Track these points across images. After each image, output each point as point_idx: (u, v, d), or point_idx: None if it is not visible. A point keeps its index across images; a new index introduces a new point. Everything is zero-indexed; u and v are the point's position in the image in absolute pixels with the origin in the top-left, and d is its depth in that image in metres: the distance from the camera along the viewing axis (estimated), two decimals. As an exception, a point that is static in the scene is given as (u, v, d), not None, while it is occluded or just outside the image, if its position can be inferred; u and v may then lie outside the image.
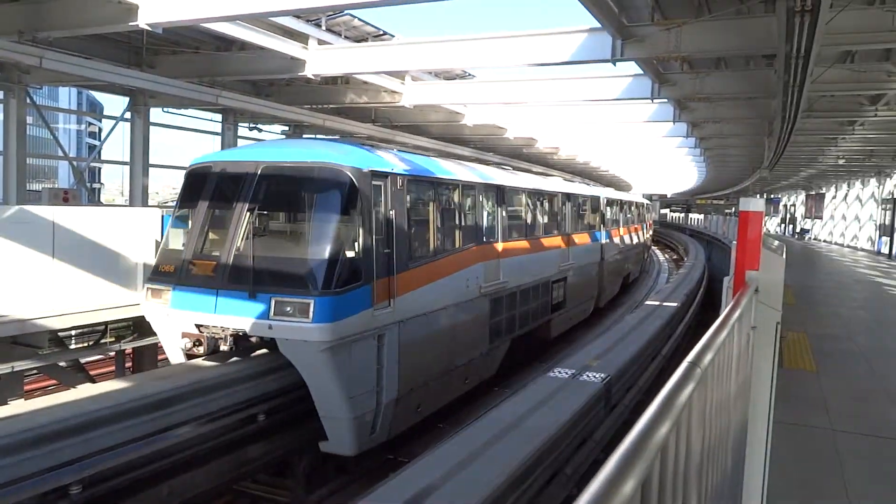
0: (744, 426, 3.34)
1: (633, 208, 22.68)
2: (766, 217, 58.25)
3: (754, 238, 3.49)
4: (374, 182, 7.10)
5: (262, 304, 6.55)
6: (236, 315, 6.69)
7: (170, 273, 7.16)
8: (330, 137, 11.76)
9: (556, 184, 14.54)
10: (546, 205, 12.99)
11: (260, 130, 17.36)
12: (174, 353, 7.25)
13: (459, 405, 8.73)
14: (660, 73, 11.60)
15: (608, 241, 17.46)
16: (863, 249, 31.17)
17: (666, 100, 13.42)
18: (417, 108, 15.96)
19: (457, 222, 9.04)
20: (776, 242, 7.26)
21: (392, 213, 7.29)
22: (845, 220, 36.10)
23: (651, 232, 30.10)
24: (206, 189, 7.36)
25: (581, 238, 14.69)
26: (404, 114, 16.92)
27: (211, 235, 7.25)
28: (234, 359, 6.88)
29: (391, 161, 7.69)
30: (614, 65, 9.58)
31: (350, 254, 6.77)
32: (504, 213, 10.41)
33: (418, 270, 7.72)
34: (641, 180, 49.94)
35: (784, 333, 8.09)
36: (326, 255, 6.60)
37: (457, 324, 8.65)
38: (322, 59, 11.32)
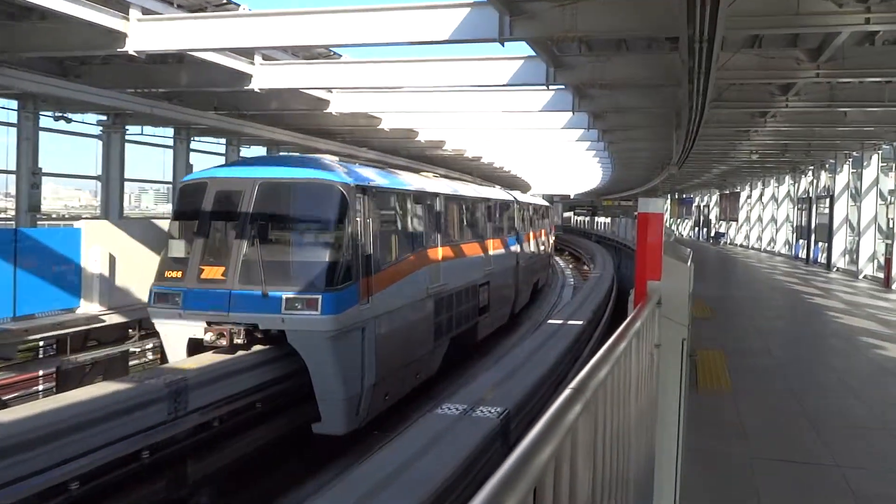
0: (650, 457, 3.54)
1: (538, 212, 25.74)
2: (679, 220, 62.74)
3: (655, 243, 3.72)
4: (356, 195, 10.05)
5: (275, 301, 9.29)
6: (250, 312, 9.40)
7: (178, 278, 9.82)
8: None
9: (477, 190, 17.86)
10: (472, 210, 16.07)
11: (69, 121, 16.43)
12: (178, 352, 9.73)
13: (401, 405, 11.25)
14: (555, 55, 12.14)
15: (521, 246, 20.70)
16: (780, 254, 33.76)
17: (563, 86, 14.20)
18: (271, 94, 16.06)
19: (411, 228, 12.14)
20: (686, 249, 7.78)
21: (369, 221, 10.23)
22: (762, 222, 38.50)
23: (553, 238, 32.09)
24: (206, 202, 10.21)
25: (499, 243, 18.00)
26: (255, 100, 16.87)
27: (216, 243, 10.07)
28: (241, 352, 9.37)
29: (365, 175, 10.82)
30: (502, 45, 10.03)
31: (344, 257, 9.65)
32: (443, 220, 13.61)
33: (387, 272, 10.63)
34: (541, 180, 52.26)
35: (695, 351, 8.67)
36: (327, 257, 9.58)
37: (413, 321, 11.55)
38: (147, 32, 11.12)
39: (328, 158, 11.30)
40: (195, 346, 9.85)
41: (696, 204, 57.51)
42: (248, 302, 9.55)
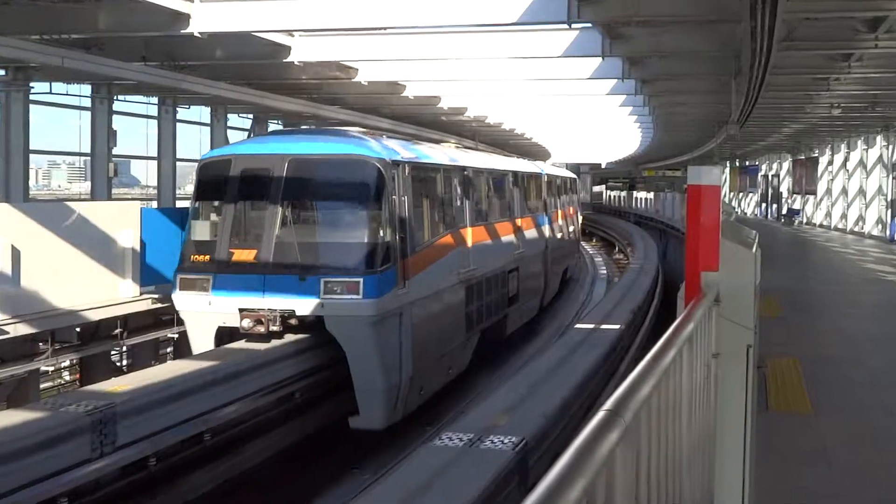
0: (707, 497, 3.55)
1: (566, 186, 27.72)
2: (740, 194, 62.83)
3: (710, 224, 3.72)
4: (392, 170, 11.56)
5: (313, 285, 10.91)
6: (286, 297, 10.94)
7: (205, 262, 11.45)
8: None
9: (504, 161, 20.22)
10: (500, 185, 17.99)
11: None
12: (205, 343, 11.34)
13: (434, 401, 12.83)
14: (612, 27, 13.04)
15: (550, 226, 22.78)
16: (871, 236, 33.52)
17: (589, 24, 14.59)
18: (215, 39, 16.13)
19: (443, 206, 13.88)
20: (751, 232, 7.76)
21: (404, 198, 11.80)
22: (846, 195, 38.14)
23: (580, 218, 32.94)
24: (231, 181, 11.78)
25: (529, 223, 19.95)
26: (196, 48, 16.94)
27: (245, 225, 11.77)
28: (274, 341, 11.00)
29: (396, 149, 12.40)
30: (569, 26, 12.06)
31: (383, 237, 11.31)
32: (472, 196, 15.33)
33: (421, 254, 12.24)
34: (564, 146, 52.78)
35: (764, 361, 8.69)
36: (367, 238, 11.28)
37: (446, 309, 13.29)
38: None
39: (355, 131, 13.12)
40: (224, 336, 11.38)
41: (762, 173, 57.38)
42: (284, 286, 11.09)
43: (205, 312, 11.39)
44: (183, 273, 11.52)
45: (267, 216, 11.54)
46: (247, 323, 11.00)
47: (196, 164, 13.32)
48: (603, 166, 72.48)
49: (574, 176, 33.14)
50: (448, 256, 13.58)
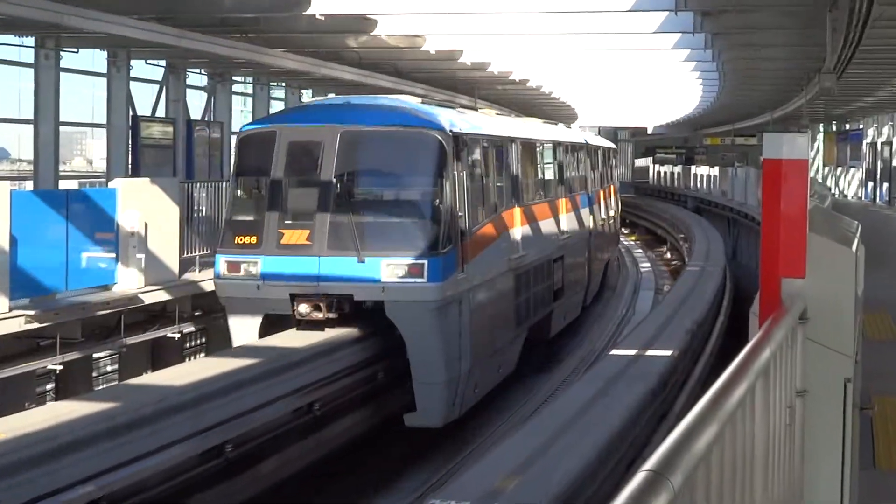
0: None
1: (606, 159, 31.29)
2: (839, 169, 62.58)
3: (794, 213, 3.75)
4: (453, 144, 14.19)
5: (373, 267, 13.56)
6: (343, 280, 13.73)
7: (252, 244, 14.07)
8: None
9: (550, 130, 24.37)
10: (546, 159, 21.48)
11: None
12: (248, 332, 14.04)
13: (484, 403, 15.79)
14: None
15: (594, 209, 26.32)
16: None
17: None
18: None
19: (496, 183, 16.88)
20: (852, 222, 7.78)
21: (463, 174, 14.57)
22: None
23: (619, 202, 34.56)
24: (277, 156, 14.39)
25: (572, 204, 23.10)
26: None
27: (294, 203, 14.38)
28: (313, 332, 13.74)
29: (454, 120, 15.20)
30: (676, 14, 16.00)
31: (445, 217, 13.99)
32: (521, 172, 18.56)
33: (477, 236, 15.06)
34: (599, 107, 53.98)
35: (870, 401, 8.69)
36: (430, 218, 14.07)
37: (497, 299, 16.22)
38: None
39: (408, 99, 16.10)
40: (269, 326, 13.93)
41: (867, 141, 56.70)
42: (341, 269, 13.72)
43: (252, 299, 14.01)
44: (226, 255, 14.11)
45: (319, 194, 14.09)
46: (304, 308, 13.62)
47: (235, 136, 16.65)
48: (649, 131, 72.92)
49: (613, 145, 35.30)
50: (500, 240, 16.35)
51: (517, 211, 17.42)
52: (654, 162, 70.05)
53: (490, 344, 15.61)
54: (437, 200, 14.05)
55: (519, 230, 17.34)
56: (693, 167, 56.64)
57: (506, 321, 16.67)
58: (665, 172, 63.58)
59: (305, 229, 13.96)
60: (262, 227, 14.13)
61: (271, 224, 14.08)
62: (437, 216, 13.99)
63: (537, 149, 20.53)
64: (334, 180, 14.03)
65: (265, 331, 14.01)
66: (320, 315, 13.60)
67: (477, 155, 15.78)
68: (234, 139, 24.94)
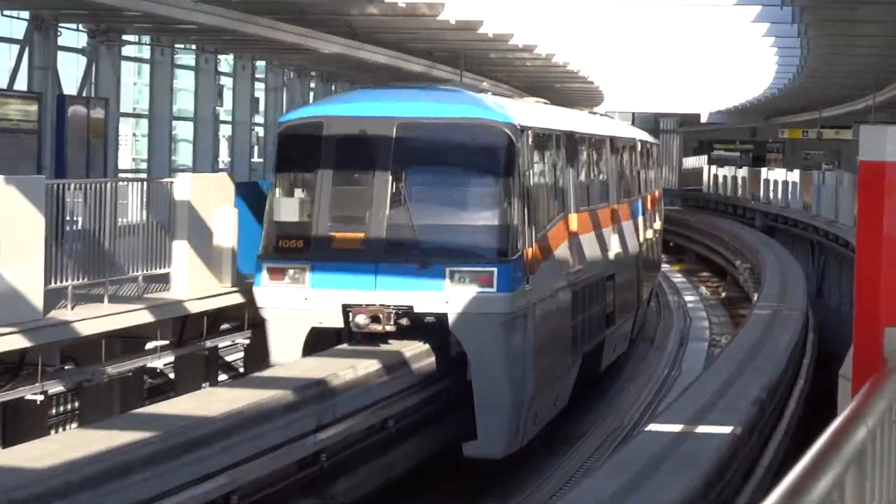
0: None
1: (650, 157, 35.11)
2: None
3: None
4: (521, 139, 16.93)
5: (436, 275, 16.48)
6: (403, 290, 16.59)
7: (298, 249, 17.10)
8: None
9: (604, 124, 28.53)
10: (602, 157, 24.83)
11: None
12: (291, 347, 16.66)
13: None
14: None
15: (643, 219, 30.07)
16: None
17: None
18: None
19: (558, 185, 20.00)
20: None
21: (528, 173, 17.56)
22: None
23: (659, 218, 37.20)
24: (325, 149, 17.48)
25: (625, 212, 26.63)
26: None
27: (346, 203, 17.41)
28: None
29: (519, 111, 17.97)
30: (781, 9, 17.03)
31: (513, 219, 16.82)
32: (580, 172, 21.71)
33: (541, 244, 17.82)
34: (634, 88, 56.43)
35: None
36: (498, 220, 16.97)
37: (557, 317, 19.08)
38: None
39: (464, 89, 18.98)
40: (317, 339, 16.34)
41: None
42: (401, 277, 16.54)
43: (298, 310, 16.67)
44: (270, 261, 16.82)
45: (375, 192, 16.67)
46: (363, 319, 16.16)
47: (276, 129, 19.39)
48: (703, 119, 73.44)
49: (655, 140, 39.16)
50: (560, 249, 19.10)
51: (574, 217, 20.04)
52: (710, 162, 70.92)
53: (550, 369, 18.24)
54: (506, 201, 16.70)
55: (576, 240, 20.06)
56: (764, 170, 57.25)
57: (563, 345, 19.47)
58: (725, 177, 64.37)
59: (359, 232, 16.75)
60: (309, 231, 16.88)
61: (321, 227, 16.84)
62: (506, 219, 16.73)
63: (595, 145, 23.47)
64: (391, 177, 16.54)
65: (310, 347, 16.57)
66: (379, 327, 16.22)
67: (541, 151, 18.63)
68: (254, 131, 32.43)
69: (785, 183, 47.60)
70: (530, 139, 17.17)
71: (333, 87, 43.17)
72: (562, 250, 19.14)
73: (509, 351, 16.04)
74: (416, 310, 16.07)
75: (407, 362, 16.16)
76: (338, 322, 16.37)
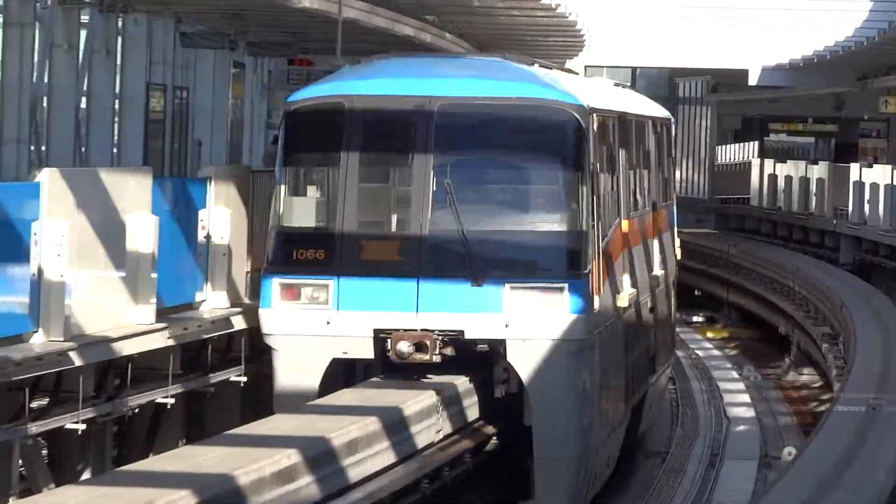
0: None
1: (663, 144, 37.49)
2: None
3: None
4: (591, 125, 20.80)
5: (492, 293, 20.81)
6: (451, 311, 20.48)
7: (318, 261, 20.47)
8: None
9: (632, 98, 33.76)
10: (643, 150, 28.99)
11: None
12: (305, 382, 19.09)
13: None
14: None
15: (671, 230, 35.87)
16: None
17: None
18: None
19: (615, 182, 23.60)
20: None
21: (596, 167, 21.26)
22: None
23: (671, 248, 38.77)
24: (347, 136, 20.96)
25: (663, 219, 31.86)
26: None
27: (376, 204, 21.09)
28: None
29: (583, 90, 22.69)
30: None
31: (585, 224, 21.10)
32: (635, 168, 25.82)
33: (605, 255, 21.41)
34: (636, 27, 62.20)
35: None
36: (567, 224, 21.75)
37: (614, 352, 22.28)
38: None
39: (515, 59, 21.42)
40: (335, 374, 18.70)
41: None
42: (448, 296, 19.26)
43: (318, 337, 19.01)
44: (281, 275, 19.49)
45: (413, 191, 19.45)
46: (405, 347, 18.69)
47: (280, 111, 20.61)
48: (753, 82, 73.86)
49: (665, 113, 41.11)
50: (617, 264, 22.18)
51: (626, 224, 23.33)
52: (763, 154, 71.54)
53: (609, 417, 20.87)
54: (576, 201, 19.63)
55: (629, 254, 23.27)
56: (855, 167, 57.72)
57: (619, 388, 22.42)
58: (788, 179, 64.90)
59: (395, 240, 19.52)
60: (332, 238, 19.30)
61: (346, 232, 19.14)
62: (576, 222, 19.73)
63: (638, 130, 27.19)
64: (432, 171, 19.25)
65: (328, 383, 18.98)
66: (425, 357, 18.76)
67: (603, 140, 21.53)
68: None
69: (892, 189, 48.04)
70: (595, 124, 19.97)
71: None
72: (618, 265, 22.11)
73: (579, 388, 18.53)
74: (466, 336, 18.98)
75: (452, 403, 18.58)
76: (366, 351, 18.98)
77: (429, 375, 18.65)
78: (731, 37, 57.66)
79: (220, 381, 26.84)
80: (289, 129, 20.48)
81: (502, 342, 18.20)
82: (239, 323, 27.77)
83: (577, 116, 18.80)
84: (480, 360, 19.24)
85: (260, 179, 29.91)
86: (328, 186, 19.24)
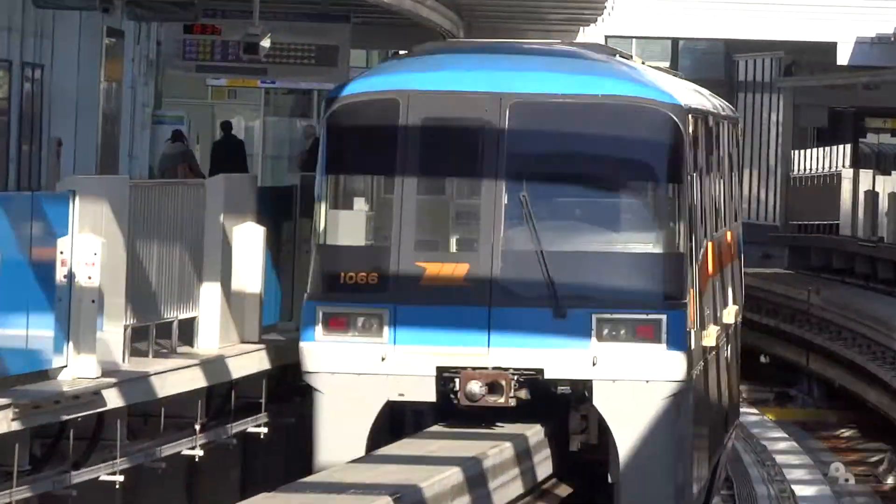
0: None
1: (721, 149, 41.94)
2: None
3: None
4: (689, 129, 27.42)
5: (577, 326, 25.92)
6: (528, 347, 25.57)
7: (370, 287, 25.11)
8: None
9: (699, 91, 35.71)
10: (722, 158, 33.94)
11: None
12: (355, 430, 23.56)
13: None
14: None
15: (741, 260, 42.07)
16: None
17: None
18: None
19: (705, 197, 30.98)
20: None
21: (693, 179, 28.20)
22: None
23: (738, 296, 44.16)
24: (402, 140, 25.58)
25: (733, 244, 37.62)
26: None
27: (438, 221, 26.53)
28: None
29: (675, 87, 30.14)
30: None
31: (682, 245, 27.28)
32: (712, 182, 32.48)
33: (699, 282, 27.94)
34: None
35: None
36: (664, 246, 27.60)
37: (703, 397, 28.28)
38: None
39: (592, 48, 23.99)
40: (385, 418, 20.14)
41: None
42: (526, 327, 21.85)
43: (370, 375, 21.08)
44: (325, 303, 21.76)
45: (482, 204, 21.56)
46: (477, 388, 20.72)
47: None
48: (843, 61, 74.50)
49: (731, 110, 47.49)
50: (706, 294, 25.01)
51: (710, 247, 26.66)
52: (858, 162, 72.35)
53: (699, 476, 23.58)
54: (672, 218, 22.17)
55: (712, 284, 26.28)
56: None
57: (703, 441, 24.83)
58: (893, 197, 65.85)
59: (462, 262, 21.45)
60: (386, 260, 21.44)
61: (403, 254, 21.33)
62: (674, 243, 22.35)
63: (717, 133, 30.97)
64: (504, 182, 21.29)
65: (377, 431, 20.80)
66: (500, 399, 20.94)
67: (696, 146, 24.26)
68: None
69: None
70: (691, 127, 22.34)
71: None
72: (707, 297, 24.54)
73: (676, 440, 20.47)
74: (546, 375, 20.94)
75: (525, 457, 20.09)
76: (427, 393, 20.88)
77: (499, 423, 20.19)
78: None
79: (83, 480, 26.76)
80: (331, 130, 21.99)
81: (588, 383, 19.81)
82: (113, 399, 27.82)
83: (675, 118, 20.30)
84: (550, 405, 20.77)
85: (146, 193, 30.37)
86: (381, 198, 20.71)
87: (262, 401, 34.41)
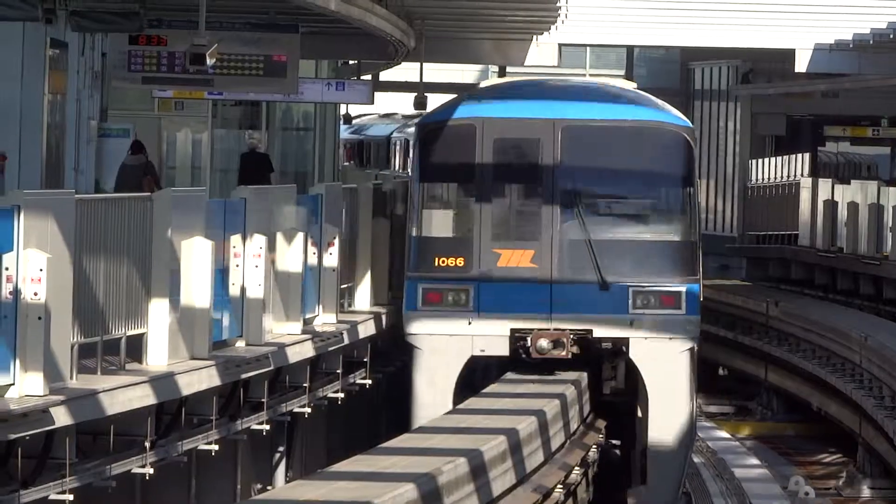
0: None
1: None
2: None
3: None
4: (695, 145, 60.56)
5: (618, 296, 55.29)
6: (580, 312, 55.94)
7: (457, 267, 53.17)
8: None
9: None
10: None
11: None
12: (443, 380, 50.33)
13: None
14: None
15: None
16: None
17: None
18: None
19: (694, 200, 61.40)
20: None
21: (697, 183, 62.36)
22: None
23: None
24: (480, 156, 54.26)
25: None
26: None
27: (511, 215, 56.07)
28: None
29: (681, 112, 63.81)
30: None
31: (694, 234, 56.81)
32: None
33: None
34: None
35: None
36: (682, 234, 57.00)
37: (697, 361, 56.71)
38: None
39: (623, 86, 42.89)
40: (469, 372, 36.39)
41: None
42: (579, 298, 48.93)
43: (459, 336, 36.47)
44: (426, 281, 36.34)
45: (541, 203, 37.38)
46: (545, 344, 37.93)
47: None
48: (801, 68, 74.95)
49: (684, 119, 52.23)
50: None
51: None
52: (816, 171, 73.23)
53: (691, 436, 26.11)
54: (687, 214, 34.28)
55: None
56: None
57: (695, 392, 27.43)
58: (851, 206, 66.23)
59: (529, 249, 33.66)
60: (470, 247, 32.38)
61: (483, 241, 32.25)
62: (689, 232, 34.12)
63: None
64: (558, 187, 31.26)
65: (463, 378, 27.72)
66: (563, 353, 33.33)
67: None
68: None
69: None
70: (692, 143, 22.99)
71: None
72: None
73: (690, 384, 24.03)
74: (594, 335, 23.34)
75: (581, 397, 21.69)
76: (502, 349, 25.10)
77: (556, 371, 22.05)
78: (771, 4, 57.89)
79: (32, 500, 27.53)
80: (423, 147, 27.84)
81: (626, 340, 21.40)
82: (62, 417, 28.15)
83: (688, 137, 23.70)
84: (588, 357, 21.44)
85: (93, 207, 30.66)
86: (463, 199, 23.21)
87: (213, 417, 37.77)
